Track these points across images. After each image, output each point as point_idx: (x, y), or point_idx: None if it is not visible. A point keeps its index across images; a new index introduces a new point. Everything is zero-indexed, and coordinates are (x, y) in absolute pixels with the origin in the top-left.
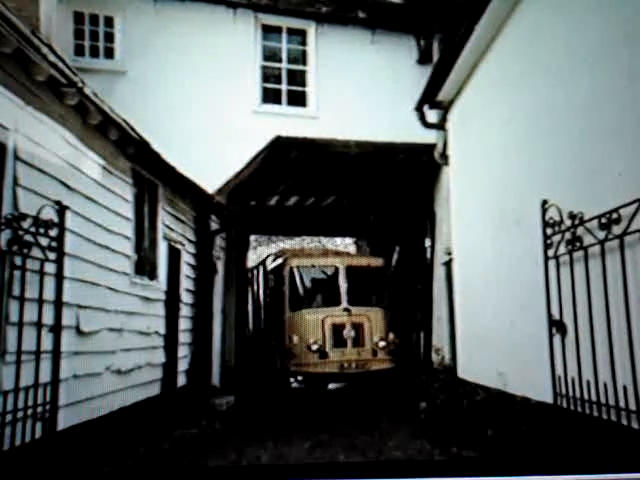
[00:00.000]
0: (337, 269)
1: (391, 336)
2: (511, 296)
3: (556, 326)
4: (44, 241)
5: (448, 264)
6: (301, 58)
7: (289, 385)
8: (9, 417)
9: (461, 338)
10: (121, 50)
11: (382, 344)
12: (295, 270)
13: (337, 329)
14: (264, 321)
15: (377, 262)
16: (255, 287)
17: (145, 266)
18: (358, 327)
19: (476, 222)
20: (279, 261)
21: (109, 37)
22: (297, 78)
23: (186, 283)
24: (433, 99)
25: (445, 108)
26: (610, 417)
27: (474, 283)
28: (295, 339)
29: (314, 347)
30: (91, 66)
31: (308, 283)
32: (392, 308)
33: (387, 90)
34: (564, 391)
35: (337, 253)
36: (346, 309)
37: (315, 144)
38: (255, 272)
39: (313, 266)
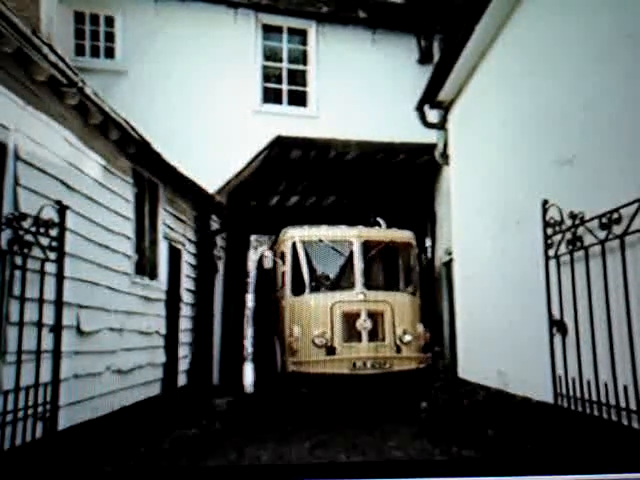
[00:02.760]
0: (351, 245)
1: (420, 328)
2: (511, 296)
3: (557, 326)
4: (44, 241)
5: (448, 264)
6: (302, 58)
7: (293, 390)
8: (10, 417)
9: (461, 338)
10: (122, 50)
11: (407, 338)
12: (299, 245)
13: (349, 319)
14: (267, 312)
15: (404, 236)
16: (263, 277)
17: (146, 266)
18: (376, 316)
19: (477, 222)
20: (281, 237)
21: (110, 37)
22: (298, 78)
23: (187, 283)
24: (434, 99)
25: (446, 108)
26: (611, 417)
27: (474, 283)
28: (296, 331)
29: (319, 341)
30: (92, 66)
31: (315, 261)
32: (423, 294)
33: (387, 90)
34: (565, 391)
35: (352, 226)
36: (362, 294)
37: (315, 144)
38: (264, 260)
39: (321, 241)
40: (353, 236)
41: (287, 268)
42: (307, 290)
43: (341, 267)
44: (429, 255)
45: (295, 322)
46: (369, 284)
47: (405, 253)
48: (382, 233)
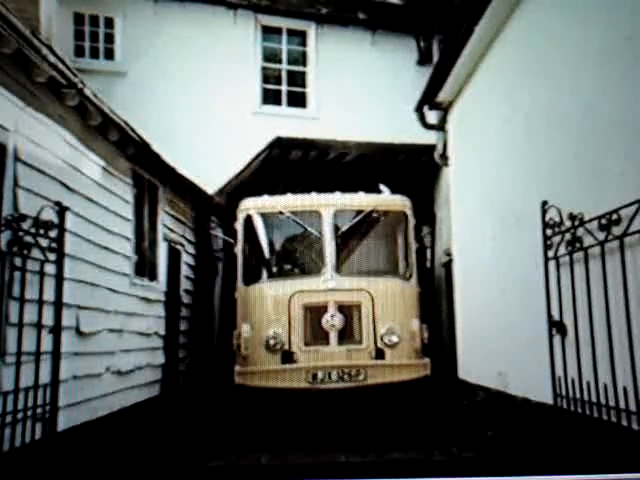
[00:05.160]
0: (320, 216)
1: (415, 326)
2: (511, 297)
3: (556, 327)
4: (44, 242)
5: (448, 265)
6: (301, 59)
7: (236, 410)
8: (9, 418)
9: (461, 339)
10: (121, 51)
11: (394, 339)
12: (254, 219)
13: (314, 314)
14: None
15: (394, 203)
16: None
17: (145, 267)
18: (350, 310)
19: (476, 223)
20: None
21: (109, 38)
22: (297, 79)
23: (186, 284)
24: (433, 100)
25: (445, 109)
26: (610, 418)
27: (474, 284)
28: (245, 330)
29: (271, 344)
30: (91, 67)
31: (274, 240)
32: (422, 281)
33: (387, 91)
34: (564, 392)
35: (324, 193)
36: (331, 280)
37: (315, 145)
38: (212, 239)
39: (281, 213)
40: (322, 205)
41: (238, 250)
42: (261, 277)
43: (307, 246)
44: (428, 256)
45: (245, 319)
46: (343, 268)
47: (396, 225)
48: (363, 200)
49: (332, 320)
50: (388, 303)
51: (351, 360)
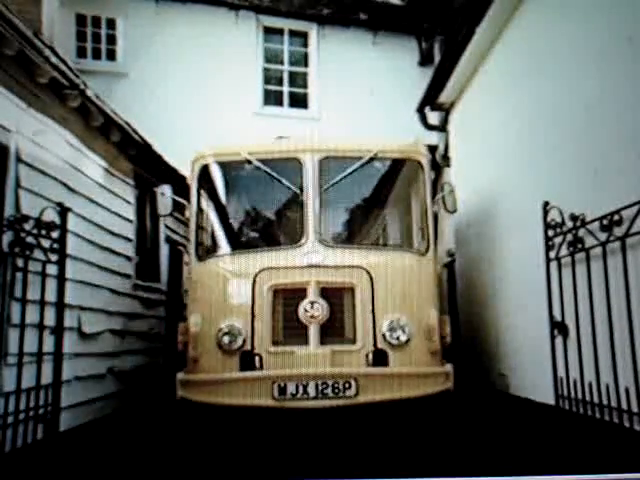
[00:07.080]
0: (301, 166)
1: (432, 317)
2: (512, 297)
3: (558, 327)
4: (46, 243)
5: (450, 265)
6: (303, 60)
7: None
8: (11, 419)
9: (462, 339)
10: (123, 52)
11: (400, 337)
12: (214, 171)
13: (287, 300)
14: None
15: (404, 150)
16: None
17: (147, 268)
18: (339, 296)
19: (477, 224)
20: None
21: (111, 39)
22: (299, 80)
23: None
24: (434, 101)
25: (447, 110)
26: (612, 419)
27: (476, 284)
28: (194, 323)
29: (226, 341)
30: (93, 68)
31: (240, 200)
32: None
33: (388, 92)
34: (566, 393)
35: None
36: (312, 253)
37: None
38: (159, 202)
39: (248, 162)
40: (304, 150)
41: (192, 213)
42: (220, 250)
43: (283, 208)
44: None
45: (194, 306)
46: (331, 236)
47: (408, 180)
48: (361, 144)
49: (312, 309)
50: (394, 286)
51: (337, 367)
